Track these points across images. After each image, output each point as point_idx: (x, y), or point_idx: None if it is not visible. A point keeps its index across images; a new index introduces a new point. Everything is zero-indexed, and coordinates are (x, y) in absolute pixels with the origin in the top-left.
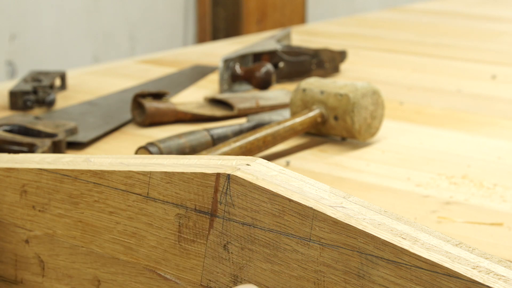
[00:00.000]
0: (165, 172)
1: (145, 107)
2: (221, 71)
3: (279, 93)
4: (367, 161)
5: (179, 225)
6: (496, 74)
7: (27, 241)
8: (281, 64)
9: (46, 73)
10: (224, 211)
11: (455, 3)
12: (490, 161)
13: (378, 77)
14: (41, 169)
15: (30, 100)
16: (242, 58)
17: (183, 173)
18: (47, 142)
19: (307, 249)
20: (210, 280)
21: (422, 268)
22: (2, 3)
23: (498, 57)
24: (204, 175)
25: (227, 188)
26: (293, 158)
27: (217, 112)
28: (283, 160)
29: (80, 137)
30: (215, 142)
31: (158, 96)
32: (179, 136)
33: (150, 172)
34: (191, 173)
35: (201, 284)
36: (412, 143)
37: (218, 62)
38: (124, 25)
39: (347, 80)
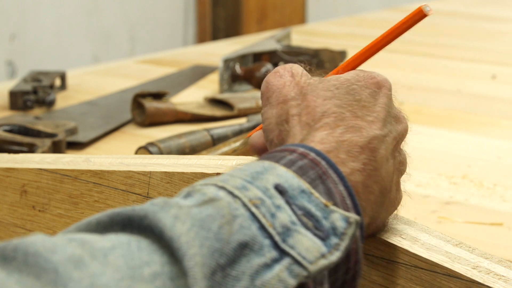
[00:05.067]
0: (165, 172)
1: (145, 107)
2: (221, 71)
3: None
4: None
5: None
6: (496, 74)
7: None
8: (281, 64)
9: (46, 73)
10: None
11: (455, 3)
12: (490, 161)
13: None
14: (41, 169)
15: (30, 100)
16: (242, 58)
17: (183, 173)
18: (47, 142)
19: None
20: None
21: (422, 268)
22: (2, 3)
23: (498, 57)
24: (204, 175)
25: None
26: None
27: (217, 112)
28: None
29: (80, 137)
30: (215, 142)
31: (158, 96)
32: (179, 136)
33: (150, 172)
34: (191, 173)
35: None
36: (412, 143)
37: (218, 62)
38: (124, 25)
39: None
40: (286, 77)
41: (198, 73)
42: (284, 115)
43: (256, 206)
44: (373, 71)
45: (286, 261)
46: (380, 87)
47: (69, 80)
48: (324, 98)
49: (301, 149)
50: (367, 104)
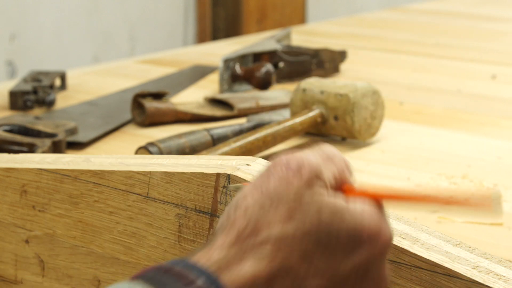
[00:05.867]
0: (165, 172)
1: (145, 107)
2: (221, 71)
3: (279, 93)
4: (367, 161)
5: (179, 225)
6: (496, 74)
7: (27, 241)
8: (281, 64)
9: (46, 73)
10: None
11: (455, 3)
12: (490, 161)
13: (378, 77)
14: (41, 169)
15: (30, 100)
16: (242, 58)
17: (183, 173)
18: (47, 142)
19: None
20: None
21: (422, 268)
22: (2, 3)
23: (498, 57)
24: (204, 175)
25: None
26: None
27: (217, 112)
28: None
29: (80, 137)
30: (215, 142)
31: (158, 96)
32: (179, 136)
33: (150, 172)
34: (191, 173)
35: None
36: (412, 143)
37: (218, 62)
38: (124, 25)
39: (347, 80)
40: (290, 173)
41: (198, 73)
42: (244, 203)
43: None
44: (382, 221)
45: None
46: (364, 242)
47: (69, 80)
48: (288, 227)
49: (200, 283)
50: (330, 260)
